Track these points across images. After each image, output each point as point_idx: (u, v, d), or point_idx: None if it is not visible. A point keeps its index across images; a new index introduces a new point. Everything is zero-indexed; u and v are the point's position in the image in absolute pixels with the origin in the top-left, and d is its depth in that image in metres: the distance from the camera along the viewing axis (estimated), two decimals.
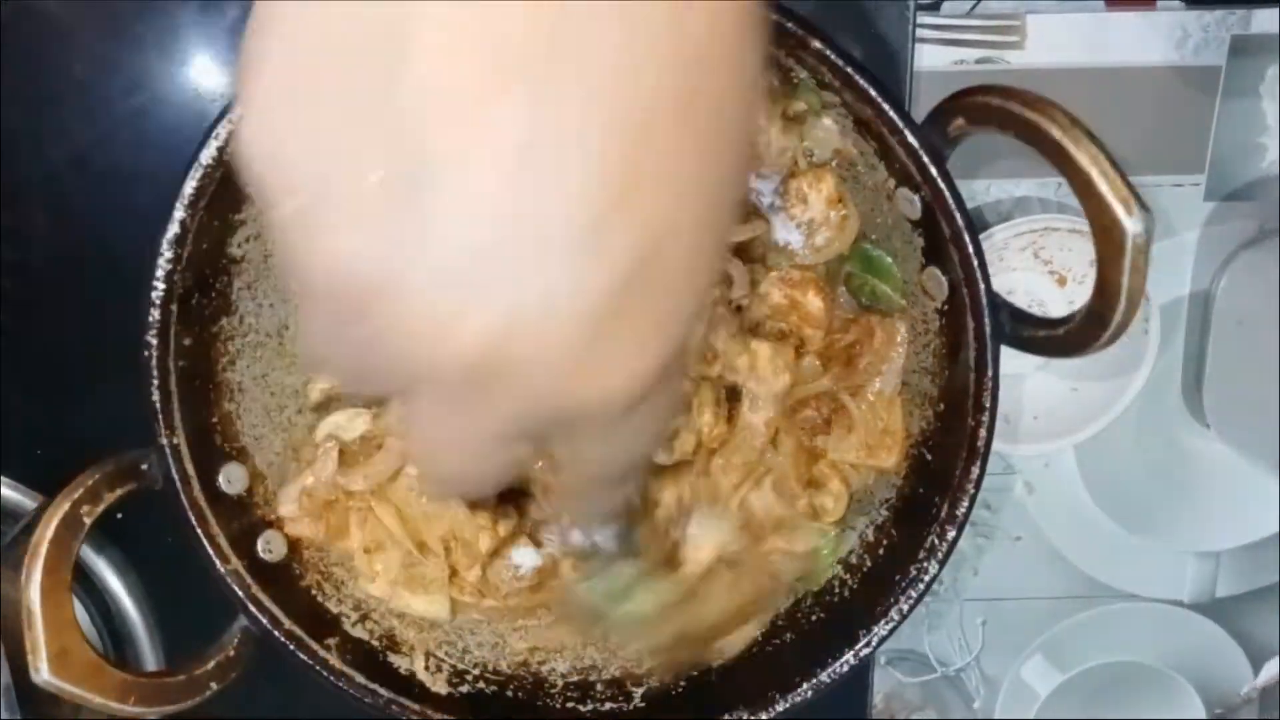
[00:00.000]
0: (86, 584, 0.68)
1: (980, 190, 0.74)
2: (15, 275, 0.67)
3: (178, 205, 0.49)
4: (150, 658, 0.70)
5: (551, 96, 0.23)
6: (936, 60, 0.71)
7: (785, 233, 0.58)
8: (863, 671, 0.79)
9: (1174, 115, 0.73)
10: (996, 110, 0.48)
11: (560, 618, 0.59)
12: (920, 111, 0.58)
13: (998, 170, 0.73)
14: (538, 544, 0.59)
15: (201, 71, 0.66)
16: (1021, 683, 0.82)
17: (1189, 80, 0.72)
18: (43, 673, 0.45)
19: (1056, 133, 0.46)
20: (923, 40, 0.70)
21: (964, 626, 0.82)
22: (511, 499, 0.60)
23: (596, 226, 0.24)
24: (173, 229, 0.49)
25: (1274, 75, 0.72)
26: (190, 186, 0.49)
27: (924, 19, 0.70)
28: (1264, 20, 0.71)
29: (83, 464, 0.52)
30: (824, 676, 0.55)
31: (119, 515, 0.52)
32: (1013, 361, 0.75)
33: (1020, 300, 0.76)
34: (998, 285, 0.54)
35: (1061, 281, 0.75)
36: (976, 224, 0.73)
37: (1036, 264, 0.75)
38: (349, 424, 0.59)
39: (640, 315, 0.26)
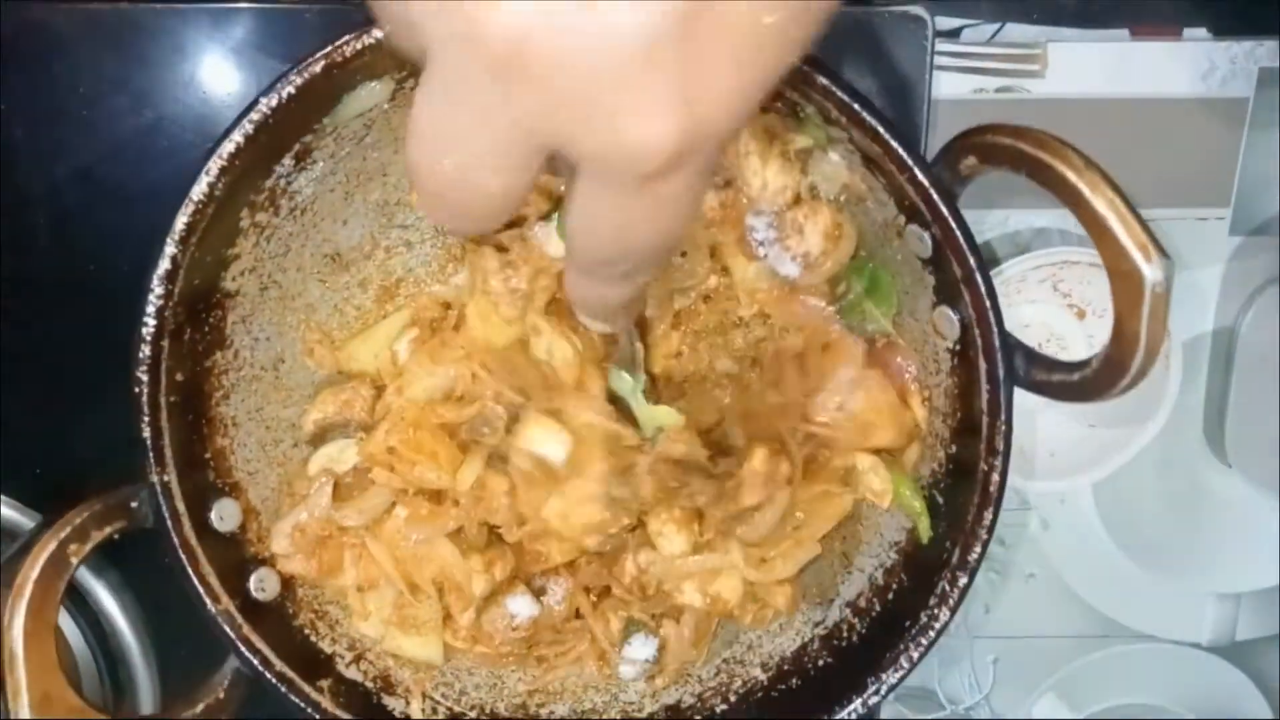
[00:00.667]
0: (80, 604, 0.68)
1: (999, 221, 0.72)
2: (15, 288, 0.67)
3: (168, 241, 0.48)
4: (145, 678, 0.69)
5: None
6: (956, 88, 0.69)
7: (782, 266, 0.56)
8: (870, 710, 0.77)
9: (1199, 147, 0.71)
10: (1008, 150, 0.47)
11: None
12: (938, 138, 0.56)
13: (1017, 201, 0.72)
14: (536, 594, 0.58)
15: (207, 90, 0.65)
16: None
17: (1215, 112, 0.70)
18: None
19: (1071, 175, 0.45)
20: (941, 68, 0.69)
21: (975, 664, 0.80)
22: (508, 545, 0.59)
23: None
24: (163, 265, 0.48)
25: None
26: (181, 222, 0.48)
27: (943, 46, 0.68)
28: None
29: (80, 481, 0.52)
30: None
31: (115, 536, 0.51)
32: (1029, 396, 0.74)
33: (1038, 334, 0.74)
34: (1015, 318, 0.53)
35: (1081, 315, 0.74)
36: (994, 256, 0.72)
37: (1055, 297, 0.73)
38: (341, 455, 0.58)
39: (694, 66, 0.25)
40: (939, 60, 0.68)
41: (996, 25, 0.69)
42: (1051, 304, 0.73)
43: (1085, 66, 0.69)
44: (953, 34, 0.69)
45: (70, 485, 0.67)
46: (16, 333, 0.67)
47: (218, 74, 0.65)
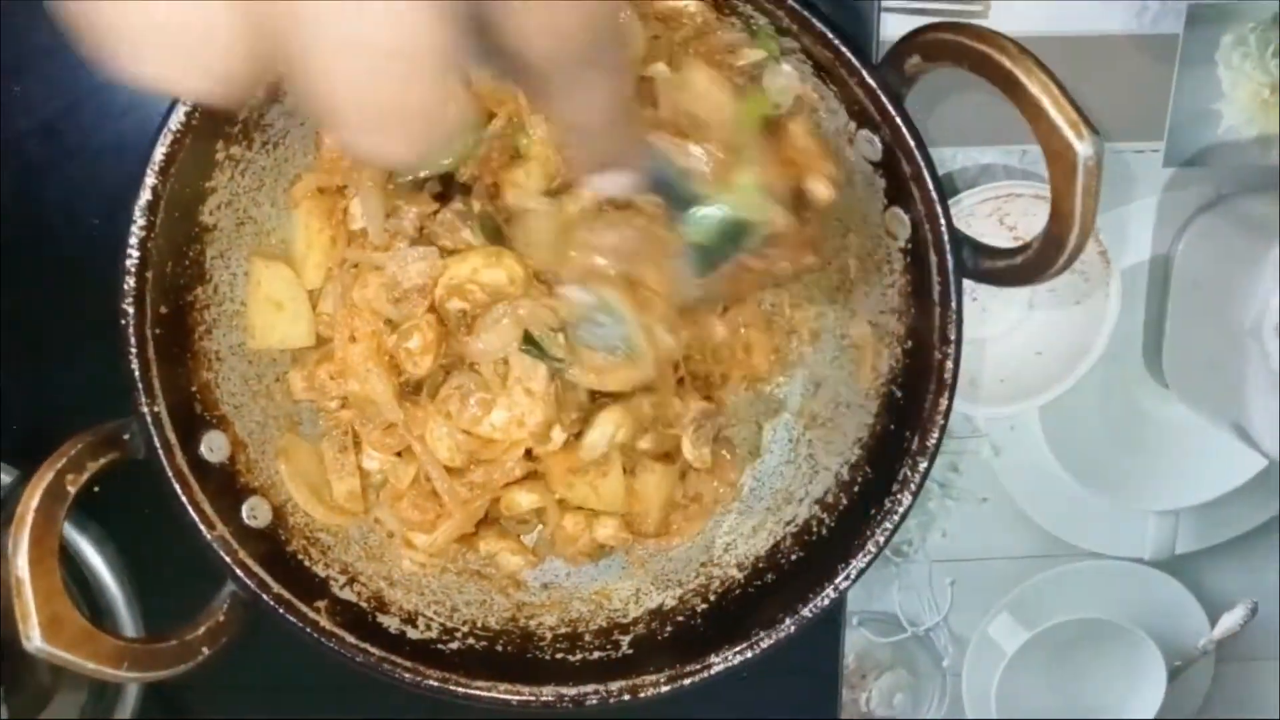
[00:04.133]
0: (64, 558, 0.68)
1: (948, 158, 0.75)
2: None
3: (148, 171, 0.49)
4: (130, 629, 0.70)
5: None
6: (903, 29, 0.71)
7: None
8: (835, 632, 0.80)
9: (1134, 83, 0.74)
10: (950, 45, 0.50)
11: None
12: None
13: (965, 139, 0.75)
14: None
15: None
16: (989, 640, 0.84)
17: (1148, 49, 0.73)
18: (35, 640, 0.45)
19: (1007, 63, 0.48)
20: (889, 9, 0.71)
21: (933, 587, 0.83)
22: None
23: None
24: (144, 195, 0.49)
25: (1228, 43, 0.74)
26: (160, 153, 0.49)
27: None
28: None
29: (57, 436, 0.52)
30: (805, 611, 0.56)
31: (96, 489, 0.52)
32: (978, 328, 0.77)
33: None
34: None
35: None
36: (945, 190, 0.75)
37: (1001, 229, 0.76)
38: None
39: None
40: (886, 2, 0.71)
41: None
42: (997, 236, 0.76)
43: (1026, 6, 0.72)
44: None
45: (44, 438, 0.67)
46: None
47: None
